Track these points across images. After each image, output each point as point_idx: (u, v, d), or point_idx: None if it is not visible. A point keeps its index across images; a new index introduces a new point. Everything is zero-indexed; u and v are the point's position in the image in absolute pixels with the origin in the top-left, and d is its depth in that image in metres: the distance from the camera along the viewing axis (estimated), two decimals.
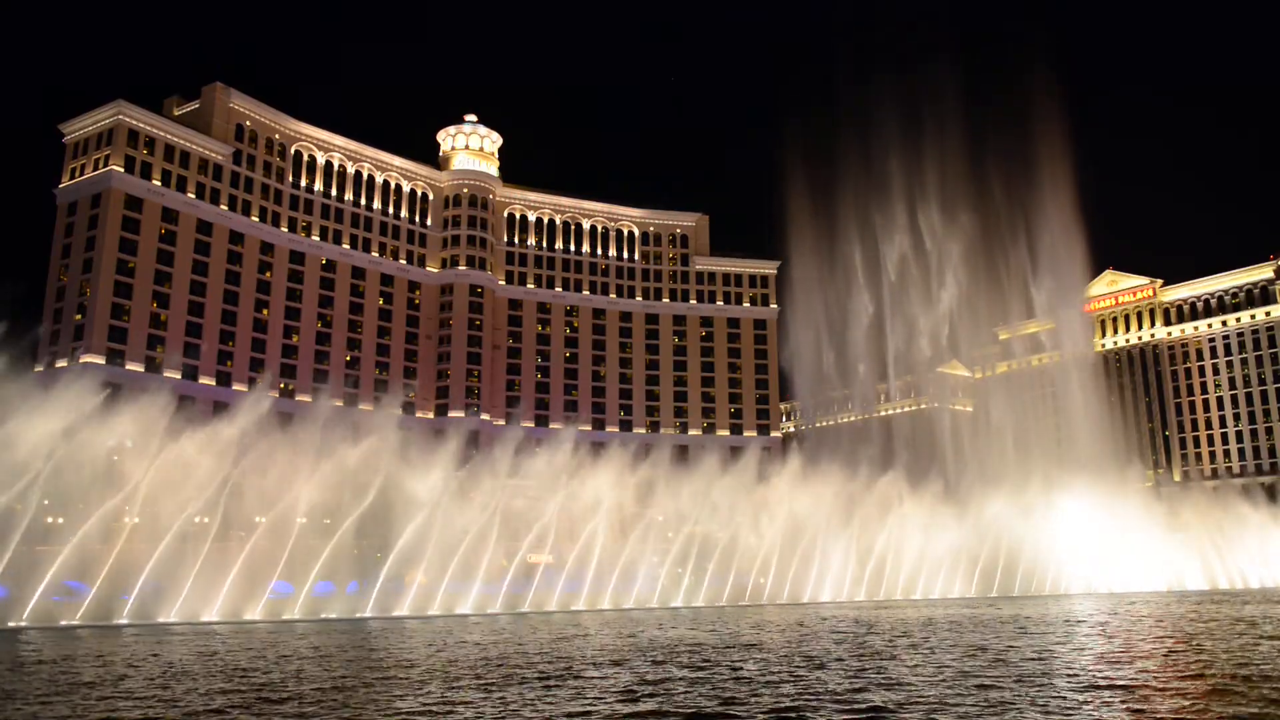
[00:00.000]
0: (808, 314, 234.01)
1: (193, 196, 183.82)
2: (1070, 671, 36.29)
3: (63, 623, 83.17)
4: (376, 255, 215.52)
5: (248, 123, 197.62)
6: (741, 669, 39.20)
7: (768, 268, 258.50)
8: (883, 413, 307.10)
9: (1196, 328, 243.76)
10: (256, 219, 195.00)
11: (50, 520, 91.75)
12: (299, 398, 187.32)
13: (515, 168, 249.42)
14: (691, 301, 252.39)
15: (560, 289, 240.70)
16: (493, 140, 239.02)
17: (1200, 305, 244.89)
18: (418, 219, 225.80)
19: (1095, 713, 26.41)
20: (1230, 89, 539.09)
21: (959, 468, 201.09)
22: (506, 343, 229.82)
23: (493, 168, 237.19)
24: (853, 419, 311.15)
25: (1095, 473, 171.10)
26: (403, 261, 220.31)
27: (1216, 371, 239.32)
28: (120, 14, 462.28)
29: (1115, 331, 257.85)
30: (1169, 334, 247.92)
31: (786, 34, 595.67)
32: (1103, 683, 32.65)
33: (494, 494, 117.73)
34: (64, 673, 40.07)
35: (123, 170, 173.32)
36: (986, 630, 60.11)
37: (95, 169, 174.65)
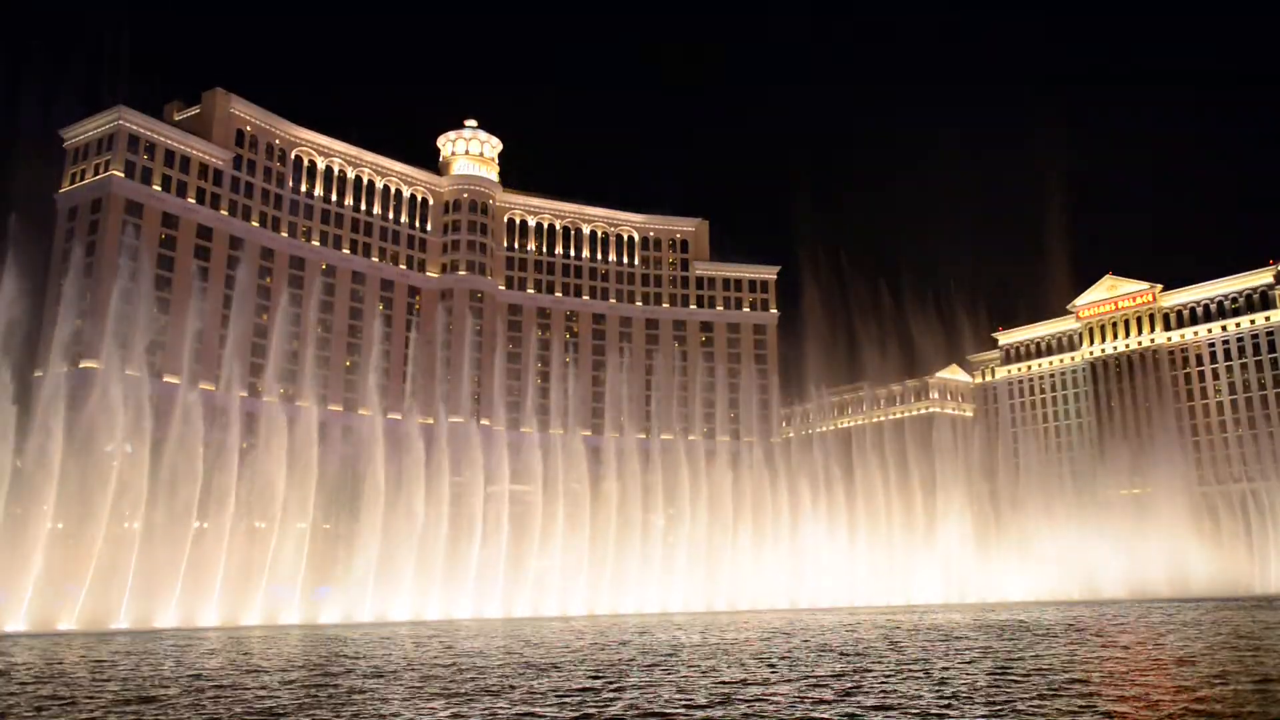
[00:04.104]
0: (810, 318, 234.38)
1: (193, 201, 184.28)
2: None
3: (60, 626, 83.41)
4: (376, 260, 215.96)
5: (248, 128, 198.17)
6: None
7: (768, 273, 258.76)
8: (881, 418, 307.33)
9: (1196, 333, 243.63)
10: (257, 224, 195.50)
11: (51, 525, 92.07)
12: (299, 403, 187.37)
13: (515, 173, 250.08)
14: (691, 306, 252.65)
15: (560, 294, 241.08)
16: (493, 145, 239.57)
17: (1200, 310, 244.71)
18: (418, 224, 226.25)
19: None
20: (1230, 92, 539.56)
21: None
22: (506, 348, 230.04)
23: (493, 173, 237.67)
24: (853, 423, 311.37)
25: None
26: (403, 266, 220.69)
27: (1216, 377, 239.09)
28: (121, 17, 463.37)
29: (1115, 337, 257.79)
30: (1169, 339, 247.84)
31: (788, 38, 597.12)
32: None
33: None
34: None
35: (123, 175, 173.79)
36: None
37: (96, 174, 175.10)
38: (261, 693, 34.21)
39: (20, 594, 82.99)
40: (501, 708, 29.86)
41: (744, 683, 35.85)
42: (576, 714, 28.12)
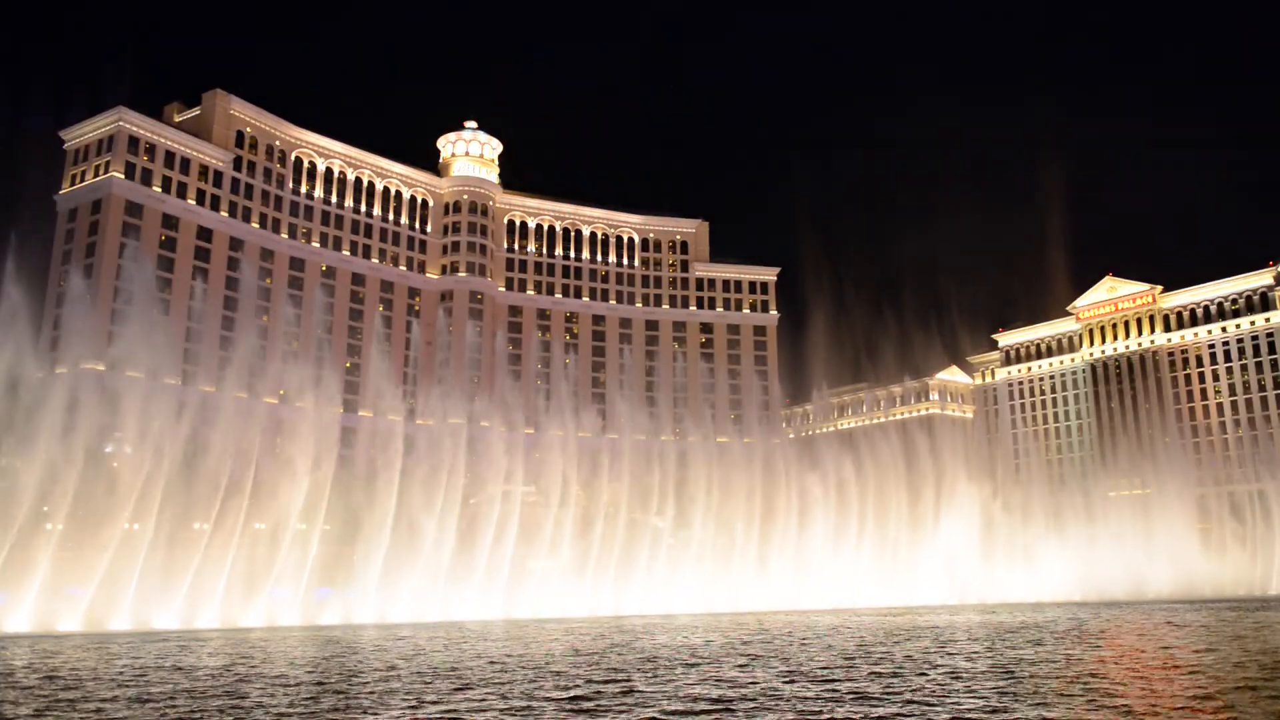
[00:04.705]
0: (810, 319, 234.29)
1: (193, 203, 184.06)
2: None
3: (59, 628, 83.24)
4: (376, 262, 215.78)
5: (248, 129, 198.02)
6: None
7: (768, 274, 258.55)
8: (882, 419, 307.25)
9: (1196, 334, 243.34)
10: (257, 225, 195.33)
11: (52, 527, 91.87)
12: (299, 404, 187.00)
13: (515, 174, 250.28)
14: (691, 308, 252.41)
15: (560, 295, 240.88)
16: (493, 147, 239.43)
17: (1200, 312, 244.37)
18: (418, 225, 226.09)
19: None
20: (1230, 94, 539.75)
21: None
22: (506, 349, 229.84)
23: (493, 174, 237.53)
24: (853, 425, 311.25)
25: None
26: (403, 268, 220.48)
27: (1216, 378, 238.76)
28: (121, 19, 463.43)
29: (1115, 338, 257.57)
30: (1169, 340, 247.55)
31: (790, 43, 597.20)
32: None
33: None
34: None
35: (123, 177, 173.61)
36: None
37: (96, 175, 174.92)
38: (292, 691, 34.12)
39: (23, 595, 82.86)
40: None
41: (753, 684, 35.74)
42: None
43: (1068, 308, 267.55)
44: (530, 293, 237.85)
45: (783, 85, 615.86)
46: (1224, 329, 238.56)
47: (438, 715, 29.17)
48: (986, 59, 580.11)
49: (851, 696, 31.85)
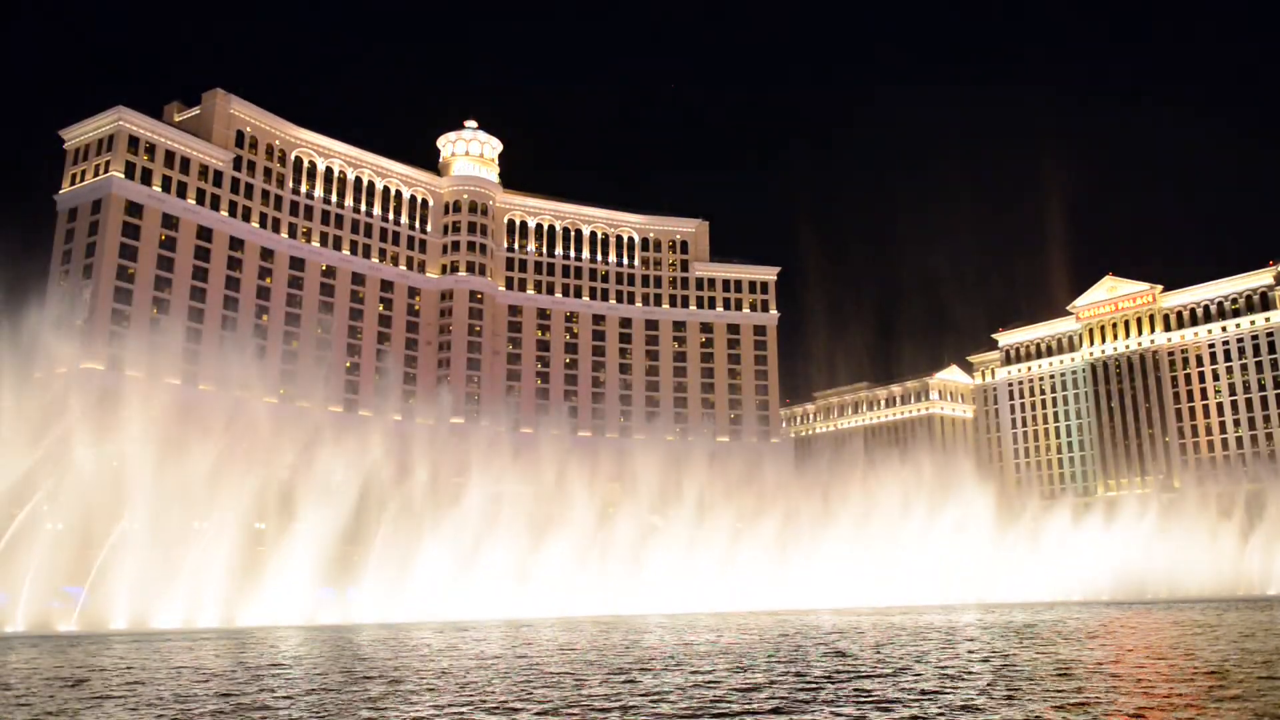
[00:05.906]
0: (810, 319, 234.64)
1: (193, 202, 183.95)
2: None
3: (60, 628, 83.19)
4: (376, 261, 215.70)
5: (248, 129, 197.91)
6: None
7: (768, 273, 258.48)
8: (882, 419, 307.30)
9: (1196, 334, 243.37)
10: (257, 225, 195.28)
11: (50, 526, 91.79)
12: (299, 404, 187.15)
13: (515, 174, 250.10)
14: (691, 307, 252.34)
15: (560, 295, 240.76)
16: (493, 146, 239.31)
17: (1200, 311, 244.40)
18: (418, 225, 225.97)
19: None
20: (1230, 92, 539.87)
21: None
22: (506, 348, 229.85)
23: (493, 174, 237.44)
24: (854, 424, 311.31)
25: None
26: (403, 267, 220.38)
27: (1216, 378, 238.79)
28: (121, 19, 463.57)
29: (1115, 337, 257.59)
30: (1169, 340, 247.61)
31: (789, 38, 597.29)
32: None
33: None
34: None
35: (123, 176, 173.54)
36: None
37: (96, 175, 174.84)
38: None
39: (21, 596, 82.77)
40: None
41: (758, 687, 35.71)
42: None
43: (1068, 307, 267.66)
44: (530, 292, 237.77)
45: (783, 83, 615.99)
46: (1224, 329, 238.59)
47: (433, 714, 29.18)
48: (988, 55, 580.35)
49: (852, 692, 31.83)
